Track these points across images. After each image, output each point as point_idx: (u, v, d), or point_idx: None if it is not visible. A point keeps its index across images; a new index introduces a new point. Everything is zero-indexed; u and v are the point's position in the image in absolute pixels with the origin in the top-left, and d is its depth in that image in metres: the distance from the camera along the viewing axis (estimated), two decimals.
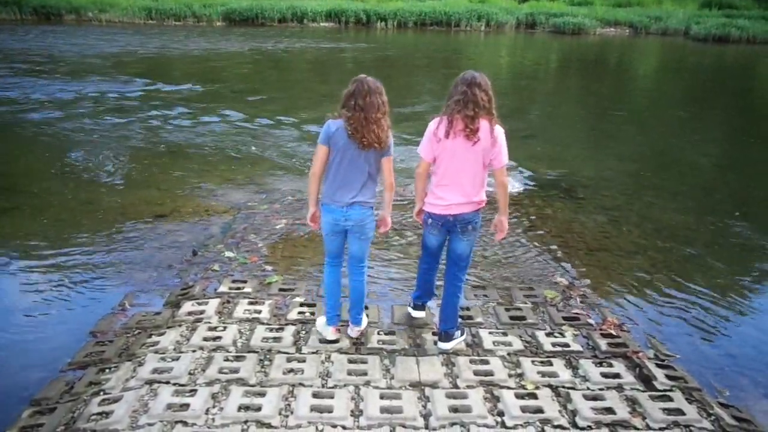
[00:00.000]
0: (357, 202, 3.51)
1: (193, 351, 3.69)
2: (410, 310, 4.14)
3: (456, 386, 3.42)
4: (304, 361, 3.59)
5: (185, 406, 3.15)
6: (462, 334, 3.89)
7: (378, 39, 28.12)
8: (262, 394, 3.26)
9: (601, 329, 4.10)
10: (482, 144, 3.36)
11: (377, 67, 17.97)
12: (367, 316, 4.07)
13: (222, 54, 20.05)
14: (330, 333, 3.83)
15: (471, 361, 3.64)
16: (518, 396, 3.33)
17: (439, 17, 33.14)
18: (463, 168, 3.43)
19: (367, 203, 3.55)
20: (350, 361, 3.61)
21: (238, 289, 4.55)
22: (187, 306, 4.25)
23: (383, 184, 3.62)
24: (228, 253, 5.24)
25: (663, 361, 3.77)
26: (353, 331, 3.87)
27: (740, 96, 16.16)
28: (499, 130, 3.42)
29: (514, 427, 3.09)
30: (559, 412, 3.22)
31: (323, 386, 3.37)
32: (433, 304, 4.31)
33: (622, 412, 3.22)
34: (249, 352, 3.70)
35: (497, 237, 3.77)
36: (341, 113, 3.41)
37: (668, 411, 3.23)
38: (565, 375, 3.54)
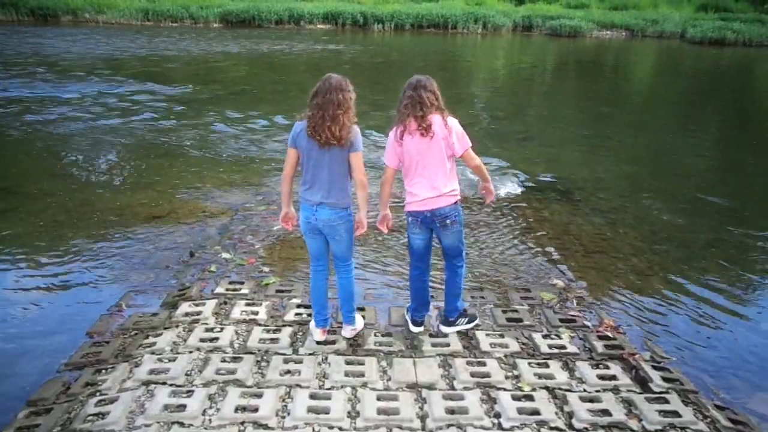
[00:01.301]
0: (324, 203, 3.50)
1: (190, 352, 3.69)
2: (409, 323, 4.10)
3: (453, 388, 3.42)
4: (301, 362, 3.59)
5: (182, 407, 3.15)
6: (470, 323, 4.00)
7: (375, 41, 28.15)
8: (259, 396, 3.26)
9: (597, 331, 4.11)
10: (438, 136, 3.51)
11: (374, 70, 17.99)
12: (363, 317, 4.07)
13: (218, 55, 20.04)
14: (318, 334, 3.86)
15: (468, 363, 3.65)
16: (515, 398, 3.33)
17: (435, 20, 33.15)
18: (427, 163, 3.57)
19: (336, 204, 3.51)
20: (347, 363, 3.61)
21: (235, 290, 4.55)
22: (184, 307, 4.25)
23: (354, 183, 3.56)
24: (225, 255, 5.23)
25: (659, 363, 3.78)
26: (347, 331, 3.87)
27: (736, 98, 16.23)
28: (452, 120, 3.60)
29: (511, 428, 3.10)
30: (556, 414, 3.22)
31: (320, 387, 3.37)
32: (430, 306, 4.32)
33: (619, 414, 3.23)
34: (246, 353, 3.69)
35: (487, 200, 3.99)
36: (304, 115, 3.44)
37: (664, 413, 3.24)
38: (561, 377, 3.55)
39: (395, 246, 5.57)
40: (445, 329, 3.96)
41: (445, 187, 3.61)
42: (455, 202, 3.67)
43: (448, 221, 3.64)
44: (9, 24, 27.34)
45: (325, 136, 3.35)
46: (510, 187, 7.38)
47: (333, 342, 3.83)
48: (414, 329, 4.03)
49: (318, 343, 3.82)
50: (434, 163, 3.57)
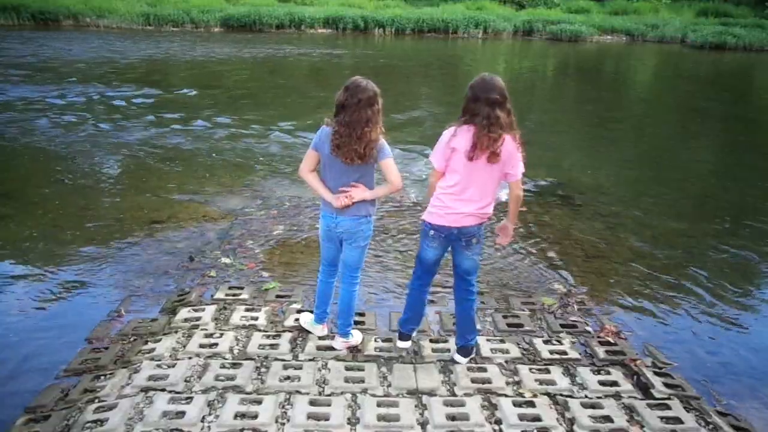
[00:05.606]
0: (346, 212, 3.48)
1: (189, 358, 3.67)
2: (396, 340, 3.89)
3: (453, 394, 3.41)
4: (300, 368, 3.58)
5: (181, 414, 3.13)
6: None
7: (376, 45, 28.18)
8: (259, 402, 3.24)
9: (598, 337, 4.10)
10: (502, 159, 3.33)
11: (375, 74, 17.99)
12: (361, 332, 3.97)
13: (219, 60, 20.06)
14: (319, 330, 3.90)
15: (468, 369, 3.63)
16: (516, 404, 3.31)
17: (436, 24, 33.14)
18: (481, 181, 3.37)
19: (357, 213, 3.49)
20: (347, 369, 3.60)
21: (235, 295, 4.53)
22: (184, 312, 4.23)
23: (387, 185, 3.44)
24: (225, 260, 5.22)
25: (661, 368, 3.76)
26: (339, 343, 3.80)
27: (736, 103, 16.22)
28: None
29: None
30: (557, 420, 3.21)
31: (320, 394, 3.35)
32: (431, 311, 4.31)
33: (620, 420, 3.21)
34: (245, 359, 3.68)
35: (500, 241, 3.75)
36: (331, 122, 3.37)
37: (666, 419, 3.22)
38: (562, 383, 3.53)
39: (396, 250, 5.55)
40: (462, 359, 3.71)
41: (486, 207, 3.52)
42: (482, 223, 3.54)
43: (473, 240, 3.53)
44: (10, 28, 27.38)
45: (349, 157, 3.29)
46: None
47: (333, 348, 3.82)
48: (401, 344, 3.84)
49: (320, 338, 3.86)
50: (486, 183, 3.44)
